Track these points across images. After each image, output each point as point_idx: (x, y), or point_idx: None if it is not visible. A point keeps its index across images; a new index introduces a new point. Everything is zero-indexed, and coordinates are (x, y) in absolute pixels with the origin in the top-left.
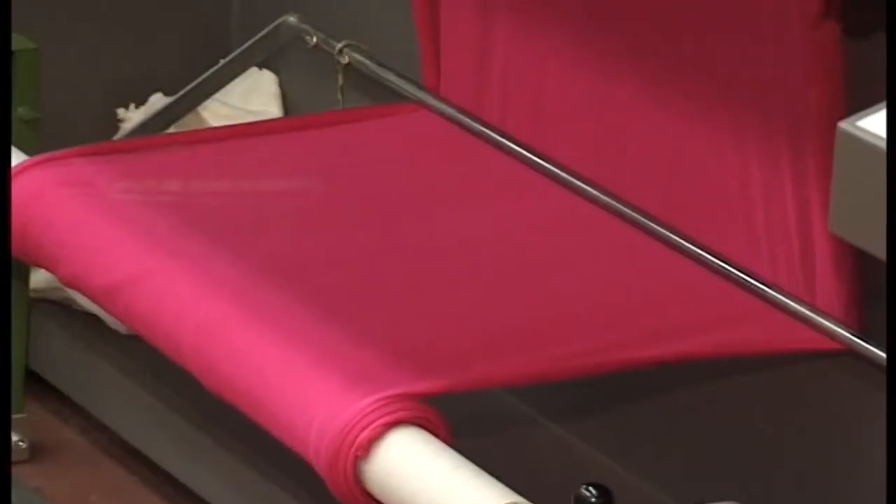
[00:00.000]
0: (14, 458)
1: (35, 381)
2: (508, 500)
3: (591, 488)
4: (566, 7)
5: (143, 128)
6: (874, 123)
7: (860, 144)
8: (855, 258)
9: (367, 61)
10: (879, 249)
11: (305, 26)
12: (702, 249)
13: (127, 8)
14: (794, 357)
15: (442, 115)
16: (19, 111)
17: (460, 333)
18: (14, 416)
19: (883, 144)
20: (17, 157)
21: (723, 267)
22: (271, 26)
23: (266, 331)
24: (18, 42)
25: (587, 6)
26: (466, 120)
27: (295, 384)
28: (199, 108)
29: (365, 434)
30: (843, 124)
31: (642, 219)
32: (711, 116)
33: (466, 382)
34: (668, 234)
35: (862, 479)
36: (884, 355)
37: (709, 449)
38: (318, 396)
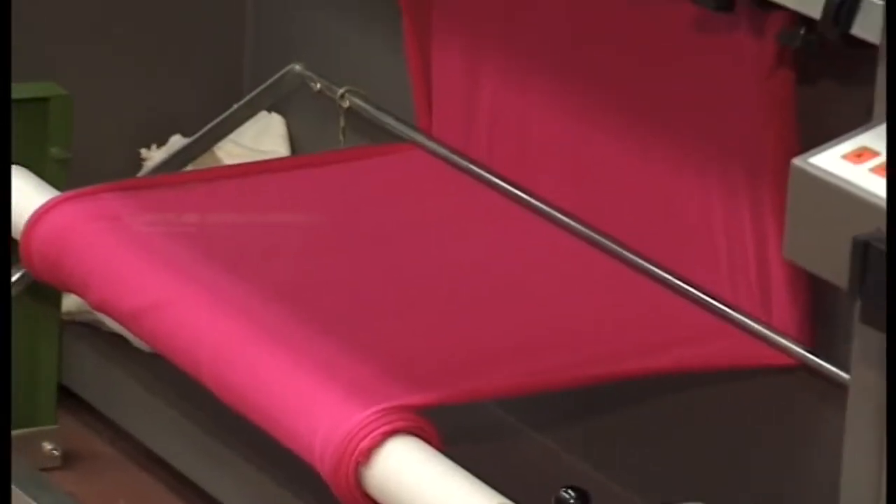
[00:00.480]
0: (48, 465)
1: (67, 396)
2: (495, 502)
3: (570, 491)
4: (547, 58)
5: (164, 166)
6: (825, 160)
7: (811, 179)
8: (807, 282)
9: (365, 105)
10: (830, 273)
11: (310, 74)
12: (669, 275)
13: (149, 57)
14: (753, 372)
15: (434, 153)
16: (52, 151)
17: (451, 351)
18: (48, 428)
19: (831, 178)
20: (49, 193)
21: (688, 290)
22: (279, 74)
23: (274, 349)
24: (52, 89)
25: (566, 58)
26: (456, 158)
27: (301, 397)
28: (215, 148)
29: (365, 443)
30: (797, 161)
31: (617, 248)
32: (678, 156)
33: (457, 395)
34: (639, 261)
35: (814, 480)
36: (834, 370)
37: (678, 455)
38: (322, 408)
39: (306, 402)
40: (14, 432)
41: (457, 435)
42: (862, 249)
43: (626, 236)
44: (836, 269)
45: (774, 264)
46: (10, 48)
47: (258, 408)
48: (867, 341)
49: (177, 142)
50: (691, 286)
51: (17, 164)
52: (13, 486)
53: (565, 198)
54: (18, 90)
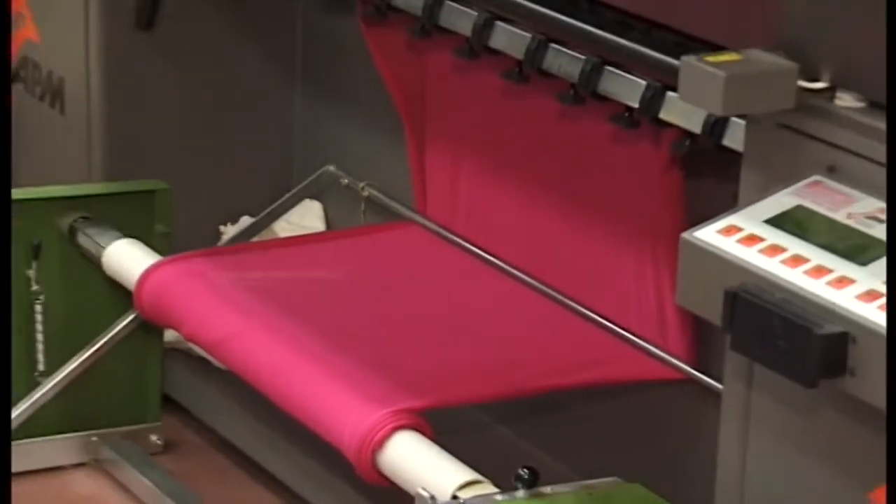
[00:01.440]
0: (154, 451)
1: (168, 401)
2: (472, 477)
3: (525, 469)
4: (508, 160)
5: (236, 238)
6: (704, 234)
7: (695, 248)
8: (693, 319)
9: (379, 194)
10: (709, 315)
11: (340, 172)
12: (595, 314)
13: (225, 160)
14: (656, 384)
15: (427, 229)
16: (157, 227)
17: (439, 370)
18: (153, 424)
19: (709, 247)
20: (154, 258)
21: (609, 326)
22: (318, 173)
23: (313, 368)
24: (157, 184)
25: (522, 160)
26: (442, 231)
27: (333, 403)
28: (272, 225)
29: (379, 435)
30: (685, 235)
31: (558, 295)
32: (601, 228)
33: (444, 401)
34: (574, 305)
35: (698, 462)
36: (713, 383)
37: (601, 444)
38: (348, 410)
39: (337, 406)
40: (128, 428)
41: (444, 428)
42: (731, 298)
43: (565, 286)
44: (713, 312)
45: (669, 307)
46: (10, 57)
47: (302, 410)
48: (735, 363)
49: (245, 221)
50: (612, 322)
51: (131, 237)
52: (129, 465)
53: (520, 259)
54: (133, 185)
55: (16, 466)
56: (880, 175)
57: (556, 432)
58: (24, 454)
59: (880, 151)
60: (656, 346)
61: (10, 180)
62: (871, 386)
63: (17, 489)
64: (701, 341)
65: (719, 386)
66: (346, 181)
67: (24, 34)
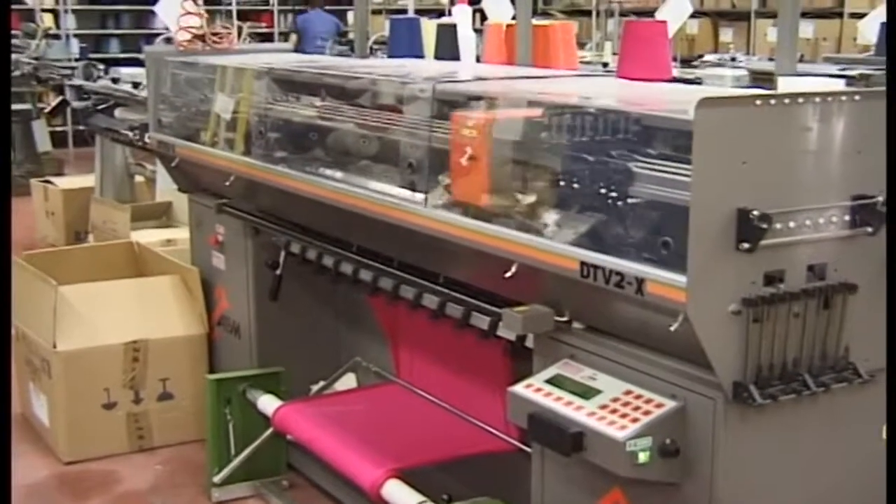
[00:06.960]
0: (284, 488)
1: (289, 465)
2: (423, 499)
3: (446, 494)
4: (434, 353)
5: (317, 392)
6: (518, 388)
7: (515, 394)
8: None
9: (378, 369)
10: (522, 424)
11: (362, 360)
12: (478, 420)
13: (310, 356)
14: (504, 452)
15: (400, 385)
16: (281, 388)
17: (406, 448)
18: (283, 476)
19: (521, 394)
20: (279, 403)
21: (482, 426)
22: (351, 361)
23: (348, 449)
24: (279, 369)
25: (440, 353)
26: (407, 385)
27: (358, 465)
28: (334, 385)
29: (380, 481)
30: (509, 388)
31: (459, 412)
32: (477, 383)
33: (409, 464)
34: (467, 417)
35: (524, 487)
36: (529, 450)
37: (480, 480)
38: (364, 469)
39: (360, 467)
40: (271, 478)
41: (410, 475)
42: (530, 416)
43: (463, 408)
44: (524, 423)
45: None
46: (10, 64)
47: (345, 469)
48: (536, 444)
49: (321, 383)
50: (485, 423)
51: (269, 393)
52: (273, 495)
53: (442, 396)
54: (269, 370)
55: (222, 497)
56: (594, 359)
57: (461, 476)
58: (227, 492)
59: (594, 349)
60: (505, 434)
61: (10, 187)
62: (594, 455)
63: None
64: (523, 433)
65: (530, 450)
66: (365, 364)
67: (223, 306)
